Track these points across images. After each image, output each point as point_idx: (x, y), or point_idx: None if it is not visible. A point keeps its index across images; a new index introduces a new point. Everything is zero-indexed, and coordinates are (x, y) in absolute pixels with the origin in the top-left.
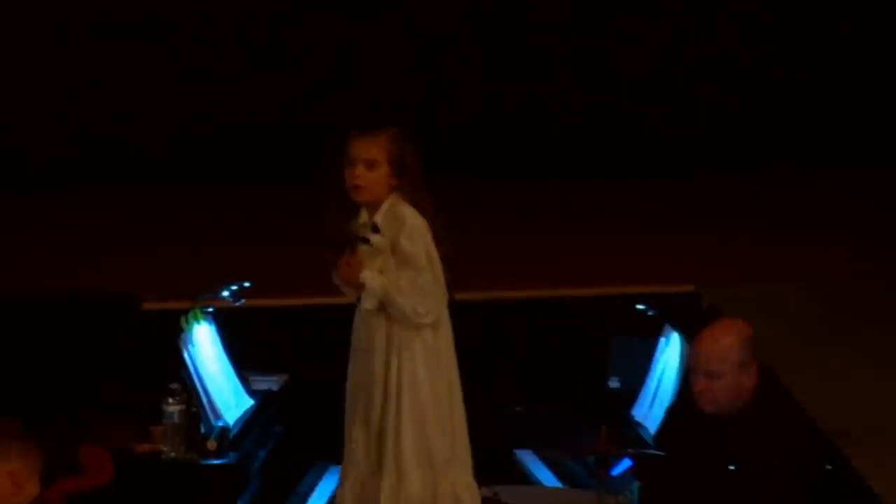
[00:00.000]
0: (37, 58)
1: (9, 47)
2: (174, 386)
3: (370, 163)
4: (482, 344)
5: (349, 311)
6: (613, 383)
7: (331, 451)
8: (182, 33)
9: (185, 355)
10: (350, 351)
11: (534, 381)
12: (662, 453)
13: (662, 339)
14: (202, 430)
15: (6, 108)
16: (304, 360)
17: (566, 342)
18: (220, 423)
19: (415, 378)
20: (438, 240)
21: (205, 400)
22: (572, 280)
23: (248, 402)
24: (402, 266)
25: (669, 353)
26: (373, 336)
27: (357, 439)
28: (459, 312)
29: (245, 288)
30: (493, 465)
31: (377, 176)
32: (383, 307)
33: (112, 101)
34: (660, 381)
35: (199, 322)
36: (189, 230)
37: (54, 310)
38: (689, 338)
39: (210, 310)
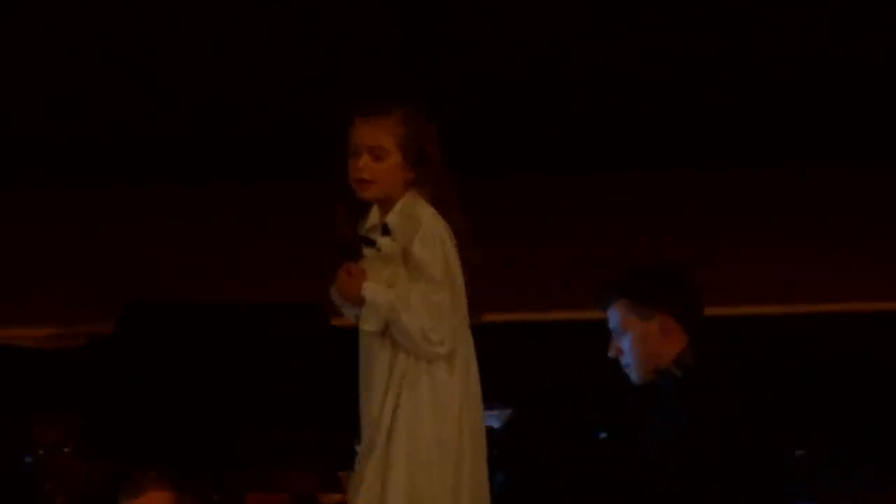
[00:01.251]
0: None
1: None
2: None
3: (377, 151)
4: (745, 371)
5: (590, 328)
6: None
7: None
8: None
9: None
10: None
11: (817, 418)
12: None
13: None
14: None
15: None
16: (534, 389)
17: (854, 369)
18: None
19: (416, 425)
20: (464, 247)
21: None
22: (855, 292)
23: None
24: (413, 278)
25: None
26: (373, 365)
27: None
28: (714, 331)
29: None
30: None
31: (387, 167)
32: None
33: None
34: None
35: None
36: None
37: (216, 326)
38: None
39: None
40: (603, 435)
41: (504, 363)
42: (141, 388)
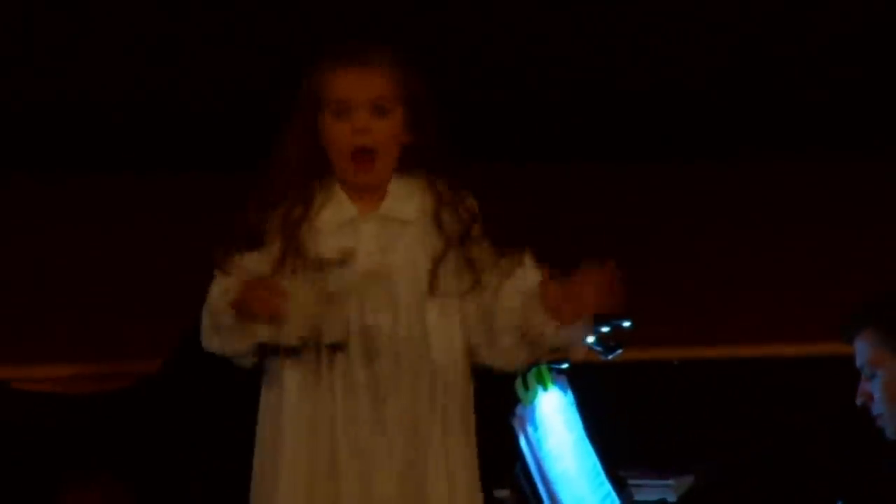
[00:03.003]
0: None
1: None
2: (502, 494)
3: (381, 104)
4: None
5: (799, 367)
6: None
7: None
8: None
9: (523, 444)
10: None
11: None
12: None
13: None
14: None
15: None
16: (722, 448)
17: None
18: None
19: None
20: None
21: None
22: None
23: None
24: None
25: None
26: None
27: None
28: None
29: (623, 329)
30: None
31: (391, 127)
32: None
33: None
34: None
35: (546, 388)
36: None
37: None
38: None
39: (564, 367)
40: None
41: (685, 410)
42: (201, 441)
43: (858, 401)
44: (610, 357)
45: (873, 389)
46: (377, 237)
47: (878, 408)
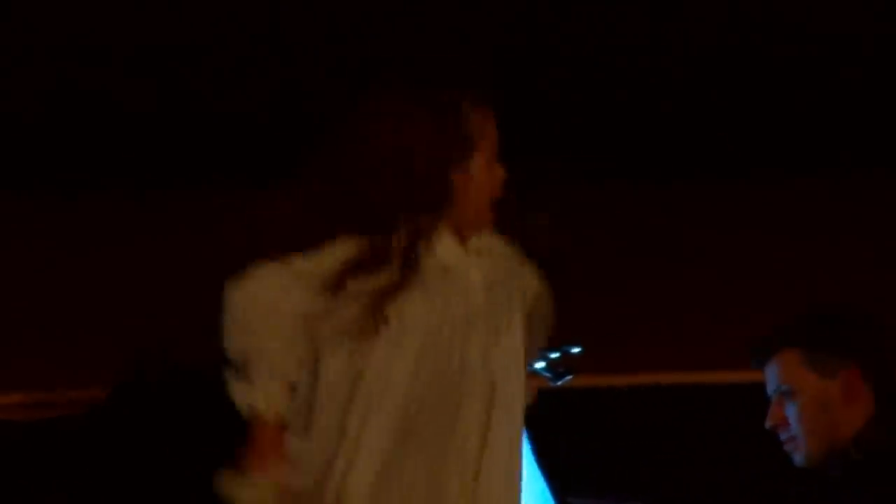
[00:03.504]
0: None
1: None
2: None
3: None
4: None
5: (752, 394)
6: None
7: None
8: None
9: None
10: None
11: None
12: None
13: None
14: None
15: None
16: (672, 477)
17: None
18: None
19: None
20: None
21: None
22: None
23: None
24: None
25: None
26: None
27: None
28: None
29: (572, 354)
30: None
31: None
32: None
33: None
34: None
35: None
36: None
37: None
38: None
39: None
40: None
41: (634, 437)
42: (150, 468)
43: (768, 424)
44: (559, 383)
45: (788, 413)
46: (480, 272)
47: (791, 432)
